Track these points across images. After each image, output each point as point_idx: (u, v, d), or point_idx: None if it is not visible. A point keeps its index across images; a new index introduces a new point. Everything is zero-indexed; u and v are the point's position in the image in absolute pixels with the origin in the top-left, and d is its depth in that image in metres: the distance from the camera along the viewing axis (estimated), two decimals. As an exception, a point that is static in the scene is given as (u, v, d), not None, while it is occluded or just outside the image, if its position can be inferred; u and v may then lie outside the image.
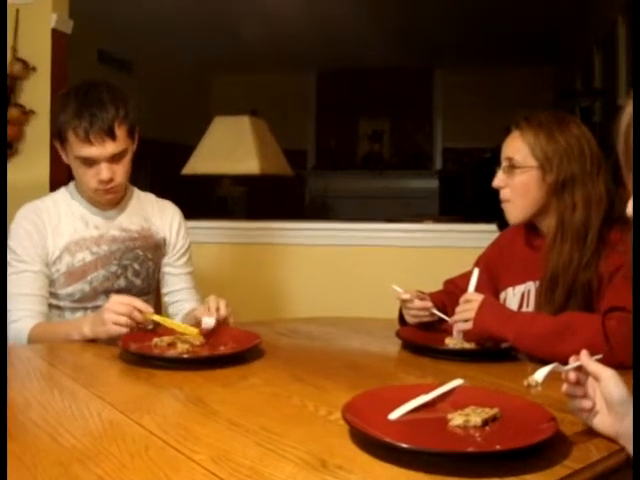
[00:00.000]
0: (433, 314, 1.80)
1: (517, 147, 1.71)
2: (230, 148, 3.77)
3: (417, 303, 1.80)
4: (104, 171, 1.86)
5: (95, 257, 1.95)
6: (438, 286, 1.97)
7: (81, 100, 1.86)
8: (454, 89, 8.06)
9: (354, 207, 7.56)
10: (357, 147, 8.79)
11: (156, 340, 1.59)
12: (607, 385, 1.01)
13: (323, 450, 0.99)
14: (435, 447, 0.97)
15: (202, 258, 3.11)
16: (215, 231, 3.33)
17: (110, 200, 1.97)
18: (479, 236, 2.52)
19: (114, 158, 1.87)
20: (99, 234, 1.97)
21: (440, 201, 7.98)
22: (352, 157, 8.75)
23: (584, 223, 1.63)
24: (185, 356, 1.52)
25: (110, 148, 1.85)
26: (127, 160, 1.92)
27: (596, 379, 1.03)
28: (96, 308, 1.93)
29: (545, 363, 1.08)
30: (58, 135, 1.90)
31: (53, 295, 1.94)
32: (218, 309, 1.73)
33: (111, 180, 1.89)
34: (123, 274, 1.99)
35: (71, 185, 2.02)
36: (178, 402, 1.24)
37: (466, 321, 1.61)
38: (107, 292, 1.96)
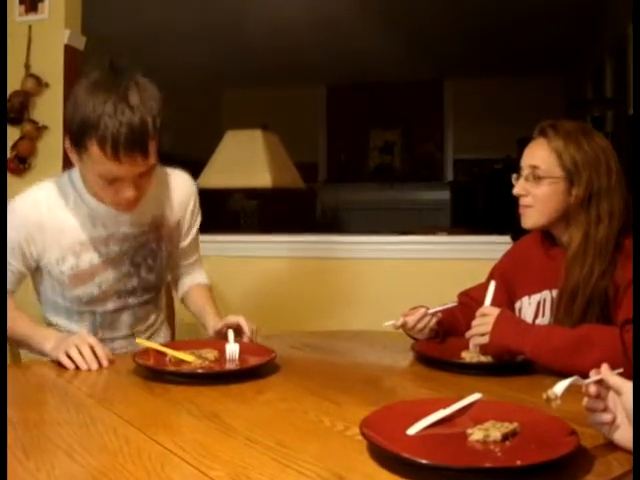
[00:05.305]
0: (434, 313, 1.79)
1: (543, 156, 1.65)
2: (242, 162, 3.77)
3: (409, 320, 1.77)
4: (129, 191, 1.61)
5: (104, 259, 1.77)
6: (451, 298, 1.95)
7: (106, 98, 1.52)
8: (465, 100, 8.05)
9: (366, 219, 7.56)
10: (368, 159, 8.78)
11: (170, 355, 1.58)
12: (629, 399, 1.00)
13: (341, 466, 0.98)
14: (455, 463, 0.96)
15: (213, 272, 3.11)
16: (226, 245, 3.34)
17: (128, 211, 1.74)
18: (492, 248, 2.50)
19: (141, 175, 1.61)
20: (107, 233, 1.76)
21: (452, 212, 7.97)
22: (363, 169, 8.75)
23: (607, 237, 1.60)
24: (200, 371, 1.51)
25: (140, 167, 1.57)
26: (153, 173, 1.66)
27: (617, 393, 1.02)
28: (106, 312, 1.84)
29: (563, 376, 1.06)
30: (73, 136, 1.58)
31: (61, 296, 1.82)
32: (241, 330, 1.72)
33: (135, 197, 1.64)
34: (136, 273, 1.84)
35: (76, 174, 1.75)
36: (194, 418, 1.23)
37: (483, 335, 1.59)
38: (119, 294, 1.83)
